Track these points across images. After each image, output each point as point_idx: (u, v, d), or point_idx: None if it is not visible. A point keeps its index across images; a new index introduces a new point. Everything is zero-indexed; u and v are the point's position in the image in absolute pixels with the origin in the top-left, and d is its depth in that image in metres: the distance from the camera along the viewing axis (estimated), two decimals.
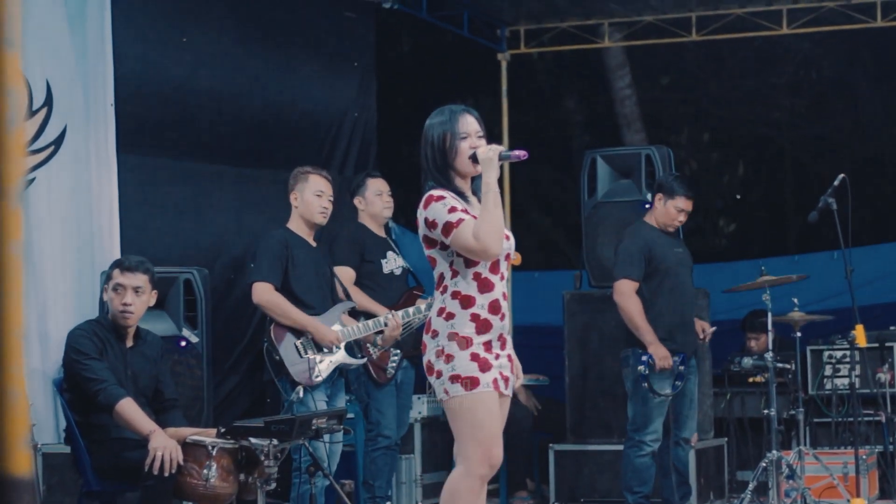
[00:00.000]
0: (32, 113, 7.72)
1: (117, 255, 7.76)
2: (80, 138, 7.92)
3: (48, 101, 7.78)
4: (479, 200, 5.16)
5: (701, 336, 8.59)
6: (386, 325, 7.73)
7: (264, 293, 7.41)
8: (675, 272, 8.24)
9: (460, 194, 5.17)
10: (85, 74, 7.96)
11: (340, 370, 7.56)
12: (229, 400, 8.77)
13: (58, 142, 7.83)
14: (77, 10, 7.93)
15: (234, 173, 9.05)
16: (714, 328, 8.73)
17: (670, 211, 8.28)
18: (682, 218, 8.34)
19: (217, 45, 9.01)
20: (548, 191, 18.39)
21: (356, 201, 8.35)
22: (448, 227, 5.04)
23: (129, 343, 6.48)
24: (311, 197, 7.58)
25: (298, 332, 7.41)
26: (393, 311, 7.82)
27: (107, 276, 6.53)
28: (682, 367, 8.12)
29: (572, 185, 10.93)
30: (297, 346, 7.36)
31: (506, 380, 5.16)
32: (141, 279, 6.42)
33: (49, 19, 7.78)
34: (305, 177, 7.61)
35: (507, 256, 5.25)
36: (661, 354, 8.02)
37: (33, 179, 7.72)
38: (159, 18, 8.62)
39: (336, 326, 7.51)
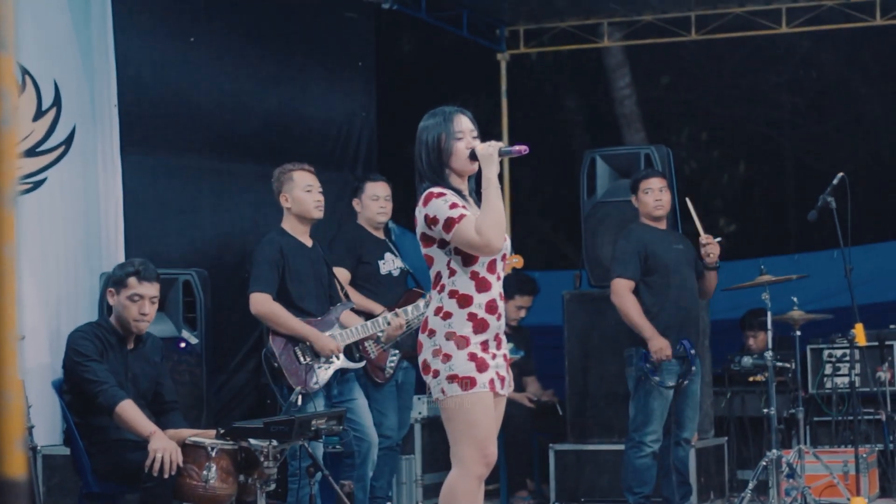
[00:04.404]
0: (42, 113, 7.75)
1: (121, 255, 7.78)
2: (88, 138, 7.95)
3: (56, 102, 7.81)
4: (477, 198, 5.17)
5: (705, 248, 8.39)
6: (389, 324, 7.68)
7: (261, 304, 7.33)
8: (676, 269, 8.22)
9: (457, 193, 5.17)
10: (91, 75, 7.99)
11: (343, 371, 7.53)
12: (237, 399, 8.79)
13: (68, 142, 7.87)
14: (81, 11, 7.95)
15: (244, 172, 9.05)
16: (720, 239, 8.49)
17: (643, 199, 8.28)
18: (659, 197, 8.27)
19: (221, 46, 9.02)
20: (547, 191, 18.39)
21: (354, 203, 8.34)
22: (450, 223, 5.03)
23: (130, 346, 6.48)
24: (302, 194, 7.45)
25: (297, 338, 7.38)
26: (396, 310, 7.78)
27: (116, 282, 6.45)
28: (691, 352, 8.04)
29: (572, 184, 10.93)
30: (295, 352, 7.32)
31: (502, 380, 5.16)
32: (156, 288, 6.45)
33: (54, 20, 7.81)
34: (290, 175, 7.47)
35: (504, 257, 5.24)
36: (659, 345, 7.99)
37: (45, 179, 7.75)
38: (163, 20, 8.65)
39: (335, 330, 7.47)
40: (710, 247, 8.29)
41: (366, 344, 7.82)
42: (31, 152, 7.68)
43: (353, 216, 8.45)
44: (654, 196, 8.25)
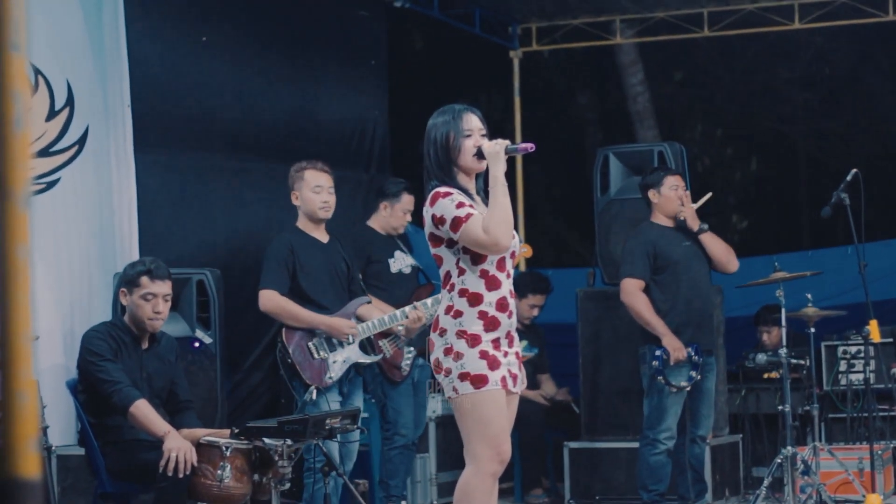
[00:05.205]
0: (55, 113, 7.76)
1: (135, 255, 7.79)
2: (101, 138, 7.96)
3: (69, 102, 7.82)
4: (485, 196, 5.17)
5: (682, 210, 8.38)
6: (407, 317, 7.67)
7: (270, 300, 7.38)
8: (686, 266, 8.21)
9: (464, 192, 5.17)
10: (103, 75, 8.00)
11: (356, 368, 7.54)
12: (252, 399, 8.79)
13: (81, 142, 7.88)
14: (93, 11, 7.96)
15: (257, 171, 9.05)
16: (710, 194, 8.47)
17: (669, 195, 8.25)
18: (681, 195, 8.28)
19: (233, 45, 9.03)
20: (560, 188, 18.38)
21: (382, 205, 8.30)
22: (457, 222, 5.04)
23: (145, 345, 6.49)
24: (310, 194, 7.50)
25: (310, 333, 7.39)
26: (415, 303, 7.77)
27: (128, 282, 6.46)
28: (696, 358, 8.05)
29: (585, 182, 10.92)
30: (309, 348, 7.34)
31: (514, 377, 5.16)
32: (169, 286, 6.46)
33: (66, 20, 7.82)
34: (301, 174, 7.53)
35: (513, 255, 5.24)
36: (674, 346, 7.98)
37: (58, 179, 7.76)
38: (176, 19, 8.65)
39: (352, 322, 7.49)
40: (684, 211, 8.27)
41: (380, 343, 7.80)
42: (45, 152, 7.69)
43: (367, 214, 8.45)
44: (679, 193, 8.26)
